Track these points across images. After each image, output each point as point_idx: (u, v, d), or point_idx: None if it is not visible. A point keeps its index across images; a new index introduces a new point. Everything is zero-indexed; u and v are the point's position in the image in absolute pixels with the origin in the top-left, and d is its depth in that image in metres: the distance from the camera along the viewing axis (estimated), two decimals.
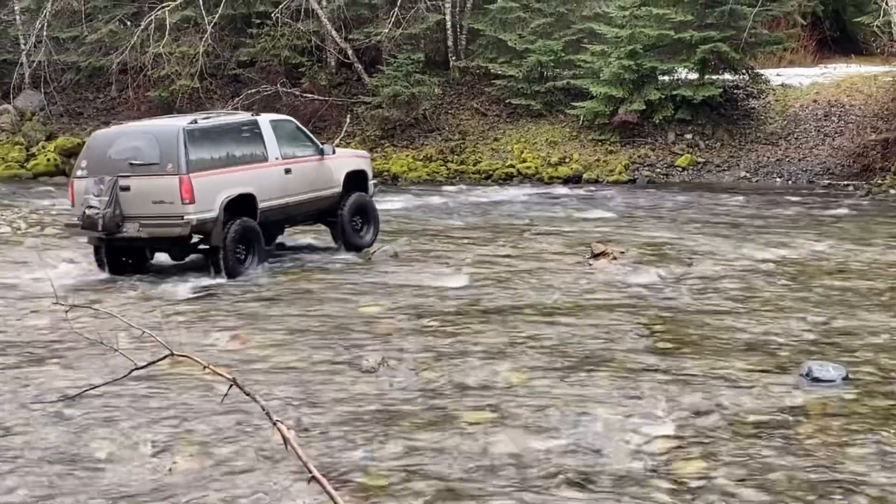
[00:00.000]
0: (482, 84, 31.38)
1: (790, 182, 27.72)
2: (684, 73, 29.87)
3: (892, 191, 24.91)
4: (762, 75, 30.44)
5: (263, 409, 5.36)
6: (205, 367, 5.64)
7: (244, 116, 14.87)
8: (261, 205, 13.63)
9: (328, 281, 12.71)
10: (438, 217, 17.69)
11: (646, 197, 24.32)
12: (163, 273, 13.79)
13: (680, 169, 28.54)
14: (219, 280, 12.87)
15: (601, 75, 28.55)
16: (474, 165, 27.43)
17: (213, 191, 13.09)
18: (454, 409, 7.43)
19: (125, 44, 29.28)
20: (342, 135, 28.68)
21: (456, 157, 28.72)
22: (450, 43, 31.59)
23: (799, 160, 28.59)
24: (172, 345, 6.08)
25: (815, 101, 30.35)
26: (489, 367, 8.51)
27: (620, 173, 27.94)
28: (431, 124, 29.46)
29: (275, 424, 5.24)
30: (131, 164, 12.98)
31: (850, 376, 8.04)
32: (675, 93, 28.77)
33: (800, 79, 31.56)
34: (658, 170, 28.46)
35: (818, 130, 29.36)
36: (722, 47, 27.98)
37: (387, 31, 29.28)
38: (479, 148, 29.37)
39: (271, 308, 11.14)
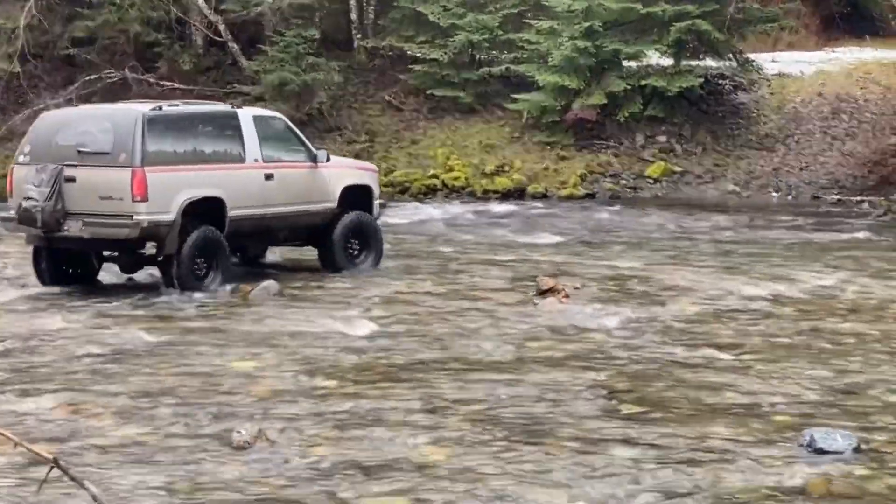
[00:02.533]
0: (396, 70, 31.52)
1: (790, 197, 28.26)
2: (655, 59, 30.32)
3: None
4: (753, 61, 31.02)
5: (95, 499, 5.28)
6: (16, 445, 5.55)
7: (221, 107, 15.84)
8: (231, 213, 14.34)
9: (189, 327, 12.58)
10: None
11: (608, 216, 24.59)
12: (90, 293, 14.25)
13: (651, 181, 28.92)
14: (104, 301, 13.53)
15: (550, 60, 28.85)
16: (386, 176, 27.54)
17: (172, 190, 13.78)
18: (353, 496, 7.37)
19: None
20: None
21: None
22: (353, 16, 31.72)
23: (800, 170, 29.17)
24: None
25: (819, 94, 31.03)
26: (400, 440, 8.47)
27: (575, 186, 28.22)
28: (330, 122, 29.51)
29: None
30: (80, 151, 13.72)
31: (863, 447, 8.15)
32: (643, 83, 29.18)
33: (801, 66, 32.22)
34: (623, 182, 28.83)
35: (824, 132, 29.97)
36: (702, 25, 28.47)
37: (271, 0, 29.31)
38: (392, 153, 29.52)
39: (113, 363, 10.98)
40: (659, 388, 9.95)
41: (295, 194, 15.26)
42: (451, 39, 29.56)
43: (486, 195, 27.88)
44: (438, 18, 29.81)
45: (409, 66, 30.76)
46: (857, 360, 10.91)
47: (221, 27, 29.90)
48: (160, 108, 14.36)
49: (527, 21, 30.02)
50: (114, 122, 14.01)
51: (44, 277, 14.67)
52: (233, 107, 15.86)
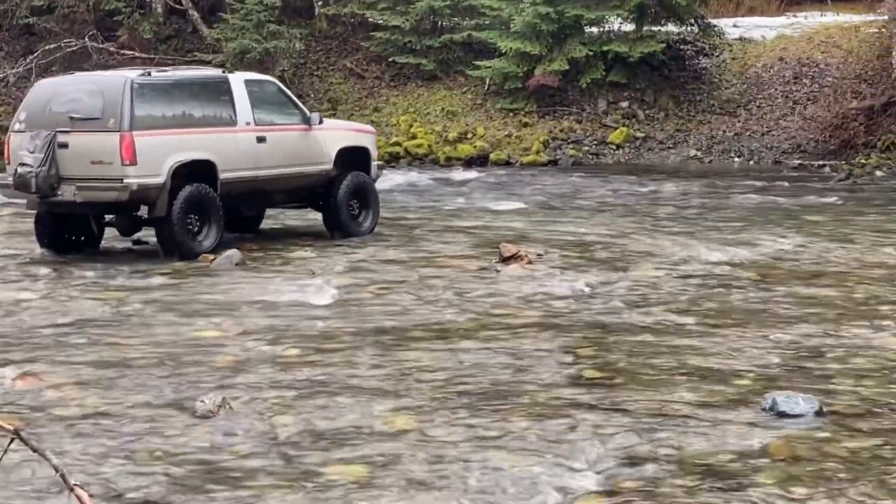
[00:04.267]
0: (358, 37, 31.40)
1: (752, 162, 28.38)
2: (617, 24, 30.33)
3: (878, 172, 25.69)
4: (715, 26, 31.09)
5: (57, 471, 5.26)
6: None
7: (212, 72, 16.38)
8: (222, 175, 14.79)
9: (152, 297, 12.54)
10: (299, 211, 17.63)
11: (570, 183, 24.63)
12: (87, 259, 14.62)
13: (614, 147, 28.98)
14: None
15: (512, 26, 28.82)
16: None
17: (161, 153, 14.22)
18: (316, 463, 7.37)
19: None
20: None
21: None
22: None
23: (762, 135, 29.28)
24: None
25: (781, 58, 31.11)
26: (364, 407, 8.47)
27: (538, 153, 28.24)
28: (292, 89, 29.35)
29: (72, 490, 5.15)
30: (71, 118, 14.18)
31: (825, 409, 8.21)
32: (605, 49, 29.20)
33: (762, 31, 32.33)
34: (586, 148, 28.87)
35: (786, 96, 30.10)
36: None
37: None
38: (354, 120, 29.36)
39: (75, 333, 10.93)
40: (622, 354, 9.99)
41: (288, 156, 15.70)
42: (413, 6, 29.45)
43: (449, 162, 27.87)
44: None
45: (371, 34, 30.66)
46: (818, 323, 10.98)
47: None
48: (148, 73, 14.83)
49: None
50: (103, 88, 14.38)
51: (44, 242, 15.16)
52: (224, 72, 16.26)
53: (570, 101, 29.69)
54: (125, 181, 13.95)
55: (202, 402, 8.47)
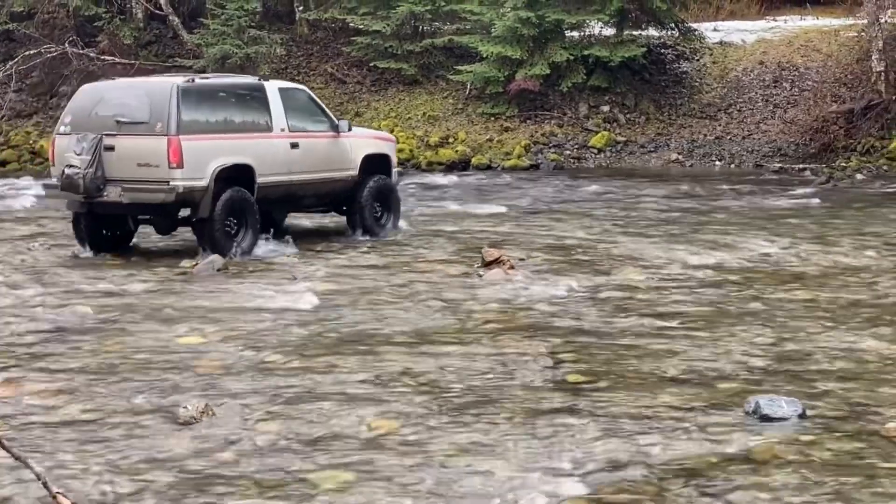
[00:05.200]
0: (339, 42, 31.35)
1: (732, 166, 28.45)
2: (598, 28, 30.37)
3: (858, 175, 25.77)
4: (695, 30, 31.17)
5: (39, 478, 5.24)
6: None
7: (249, 79, 16.82)
8: (259, 179, 15.32)
9: (135, 303, 12.50)
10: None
11: (552, 187, 24.64)
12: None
13: (595, 151, 29.01)
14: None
15: (492, 31, 28.83)
16: None
17: (205, 157, 14.73)
18: (300, 469, 7.35)
19: None
20: None
21: None
22: None
23: (743, 138, 29.35)
24: None
25: (761, 62, 31.20)
26: (347, 413, 8.45)
27: (520, 157, 28.25)
28: None
29: (54, 497, 5.13)
30: (118, 121, 14.62)
31: (808, 413, 8.22)
32: (586, 53, 29.23)
33: (742, 34, 32.42)
34: (567, 152, 28.89)
35: (766, 100, 30.18)
36: None
37: None
38: None
39: (56, 340, 10.88)
40: (605, 358, 9.99)
41: (319, 162, 16.26)
42: (394, 11, 29.45)
43: (431, 167, 27.87)
44: None
45: (352, 39, 30.64)
46: (801, 326, 11.01)
47: (162, 0, 29.59)
48: (192, 80, 15.32)
49: None
50: (150, 93, 14.92)
51: (84, 242, 15.53)
52: (259, 79, 16.73)
53: (552, 105, 29.73)
54: (171, 183, 14.44)
55: (185, 408, 8.44)
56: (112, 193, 14.61)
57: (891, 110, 27.29)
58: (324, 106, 17.24)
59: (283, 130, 15.85)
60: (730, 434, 7.85)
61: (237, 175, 15.06)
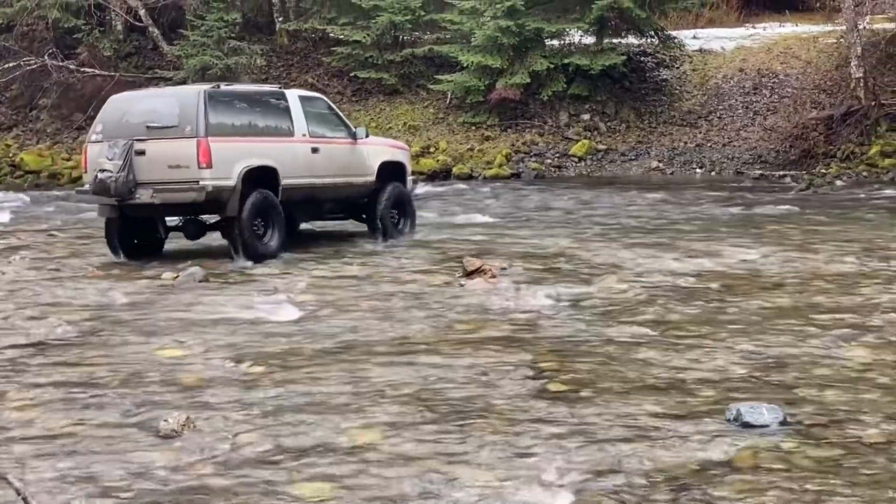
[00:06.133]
0: (319, 52, 31.38)
1: (713, 173, 28.50)
2: (578, 37, 30.45)
3: (838, 182, 25.86)
4: (675, 38, 31.29)
5: (19, 494, 5.21)
6: None
7: (271, 87, 17.54)
8: (283, 181, 16.02)
9: (115, 315, 12.46)
10: None
11: (533, 195, 24.66)
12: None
13: (576, 159, 29.05)
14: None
15: (472, 40, 28.88)
16: None
17: (232, 158, 15.38)
18: (281, 482, 7.33)
19: None
20: None
21: None
22: None
23: (723, 145, 29.42)
24: None
25: (741, 69, 31.30)
26: (329, 424, 8.43)
27: (501, 166, 28.28)
28: None
29: None
30: (148, 126, 15.24)
31: (789, 419, 8.23)
32: (566, 61, 29.31)
33: (722, 42, 32.55)
34: (548, 160, 28.92)
35: (746, 107, 30.27)
36: (624, 3, 28.63)
37: None
38: None
39: (37, 353, 10.84)
40: (586, 366, 9.99)
41: (338, 167, 17.00)
42: (374, 21, 29.46)
43: (412, 176, 27.85)
44: (360, 0, 29.70)
45: (332, 49, 30.64)
46: (782, 333, 11.03)
47: (142, 12, 29.58)
48: (218, 86, 16.01)
49: (449, 1, 30.01)
50: (178, 99, 15.60)
51: (116, 250, 16.12)
52: (280, 87, 17.35)
53: (532, 114, 29.77)
54: (201, 182, 15.03)
55: (166, 421, 8.41)
56: (143, 195, 15.17)
57: (870, 116, 27.39)
58: (341, 114, 17.80)
59: (304, 135, 16.55)
60: (711, 442, 7.86)
61: (261, 177, 15.65)
